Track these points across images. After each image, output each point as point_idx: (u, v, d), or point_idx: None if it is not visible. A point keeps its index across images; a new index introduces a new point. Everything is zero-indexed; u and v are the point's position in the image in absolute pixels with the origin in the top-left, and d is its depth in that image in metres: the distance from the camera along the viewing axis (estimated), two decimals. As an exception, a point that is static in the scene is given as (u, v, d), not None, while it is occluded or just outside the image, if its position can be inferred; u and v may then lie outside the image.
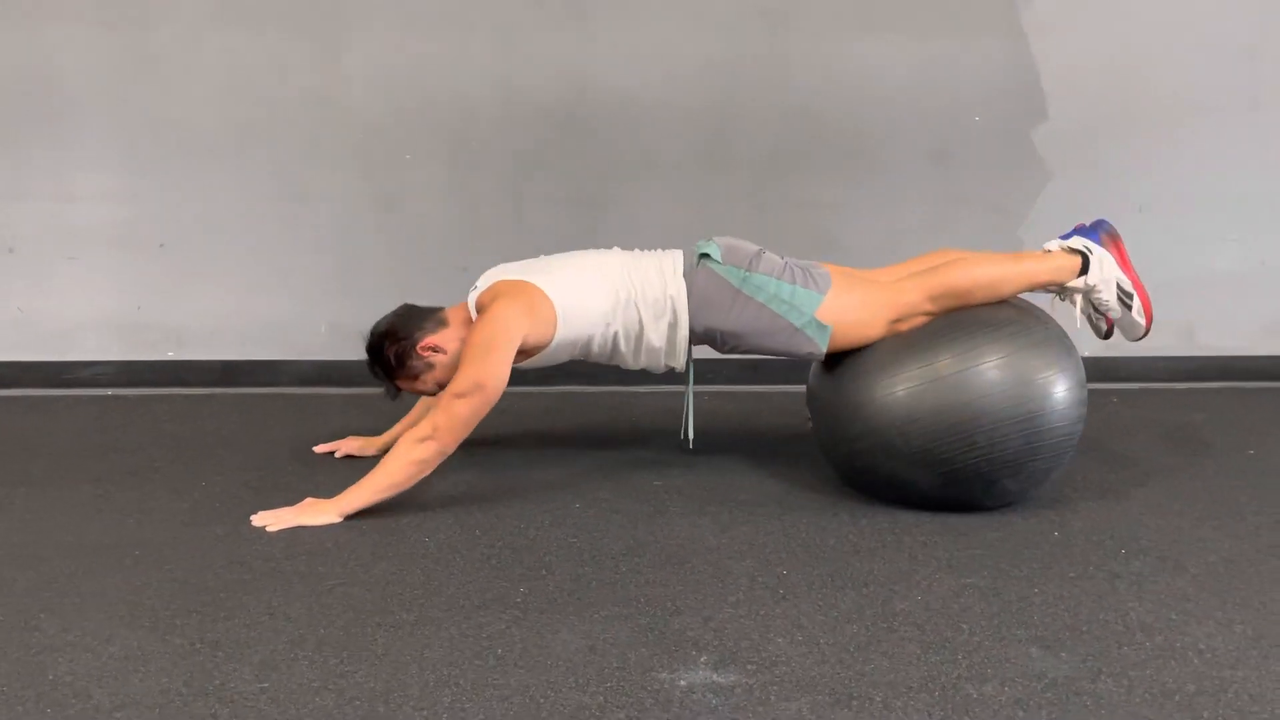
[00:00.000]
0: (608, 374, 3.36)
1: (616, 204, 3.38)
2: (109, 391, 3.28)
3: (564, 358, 2.34)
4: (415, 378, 2.31)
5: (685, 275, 2.28)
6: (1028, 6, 3.32)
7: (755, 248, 2.33)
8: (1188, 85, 3.39)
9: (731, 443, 2.72)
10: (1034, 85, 3.36)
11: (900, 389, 2.14)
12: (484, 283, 2.33)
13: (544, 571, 1.94)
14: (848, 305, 2.25)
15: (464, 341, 2.25)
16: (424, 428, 2.15)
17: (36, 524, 2.17)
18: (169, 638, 1.68)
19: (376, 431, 2.67)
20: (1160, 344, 3.51)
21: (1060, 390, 2.11)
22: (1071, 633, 1.69)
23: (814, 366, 2.43)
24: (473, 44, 3.29)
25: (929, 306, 2.23)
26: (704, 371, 3.35)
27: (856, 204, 3.42)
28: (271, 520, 2.14)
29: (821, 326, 2.24)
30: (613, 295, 2.27)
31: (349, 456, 2.60)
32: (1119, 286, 2.26)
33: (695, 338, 2.32)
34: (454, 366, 2.25)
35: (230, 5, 3.25)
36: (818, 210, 3.42)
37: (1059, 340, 2.19)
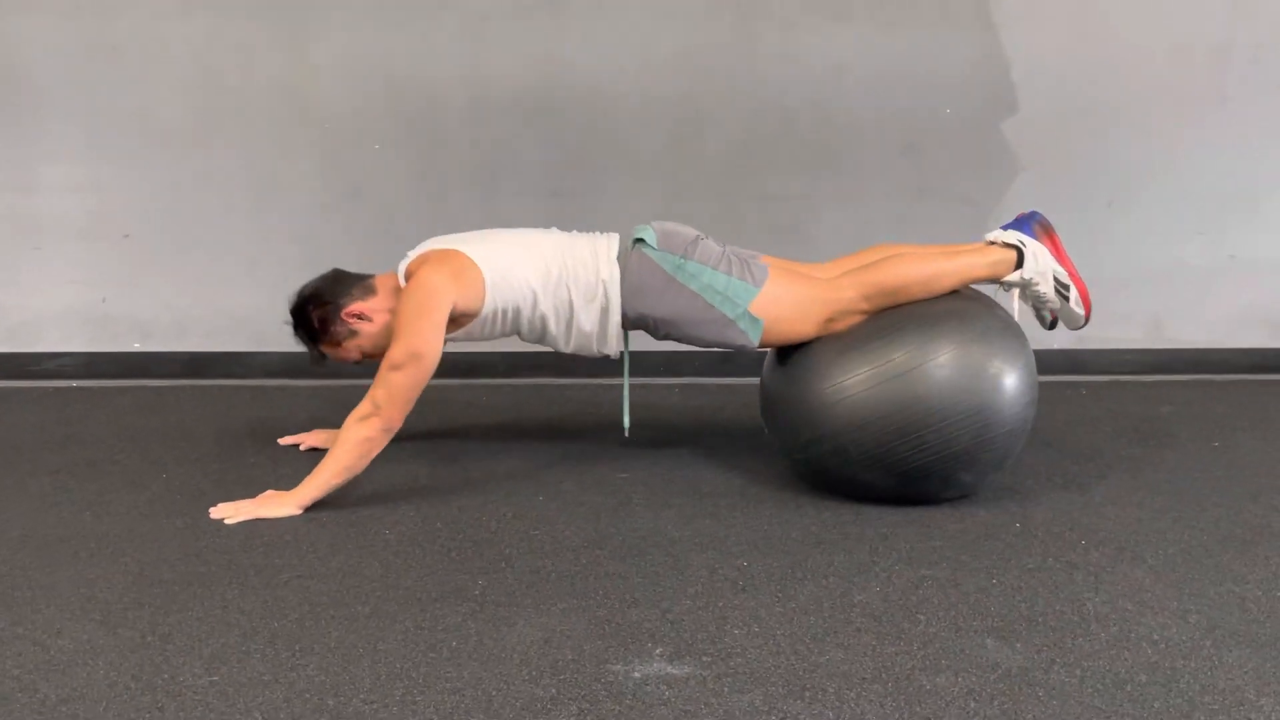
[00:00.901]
0: (576, 366, 3.36)
1: (586, 194, 3.37)
2: (73, 384, 3.24)
3: (496, 332, 2.31)
4: (339, 344, 2.29)
5: (619, 259, 2.26)
6: (997, -1, 3.32)
7: (694, 234, 2.31)
8: (1158, 79, 3.41)
9: (698, 435, 2.72)
10: (1004, 78, 3.37)
11: (849, 393, 2.11)
12: (415, 253, 2.30)
13: (503, 564, 1.93)
14: (782, 301, 2.24)
15: (392, 312, 2.24)
16: (365, 406, 2.13)
17: (-9, 517, 2.14)
18: (119, 631, 1.66)
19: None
20: (1128, 336, 3.54)
21: (1010, 381, 2.11)
22: (1028, 624, 1.70)
23: (765, 366, 2.41)
24: (442, 33, 3.27)
25: (864, 305, 2.22)
26: (673, 363, 3.36)
27: (825, 196, 3.43)
28: (230, 512, 2.13)
29: (754, 320, 2.23)
30: (543, 271, 2.24)
31: (314, 449, 2.57)
32: (1055, 279, 2.26)
33: (628, 323, 2.30)
34: (380, 335, 2.25)
35: (195, -6, 3.22)
36: (787, 202, 3.42)
37: (1008, 330, 2.19)
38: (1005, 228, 2.33)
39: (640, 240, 2.28)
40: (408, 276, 2.24)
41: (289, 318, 2.33)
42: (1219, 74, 3.43)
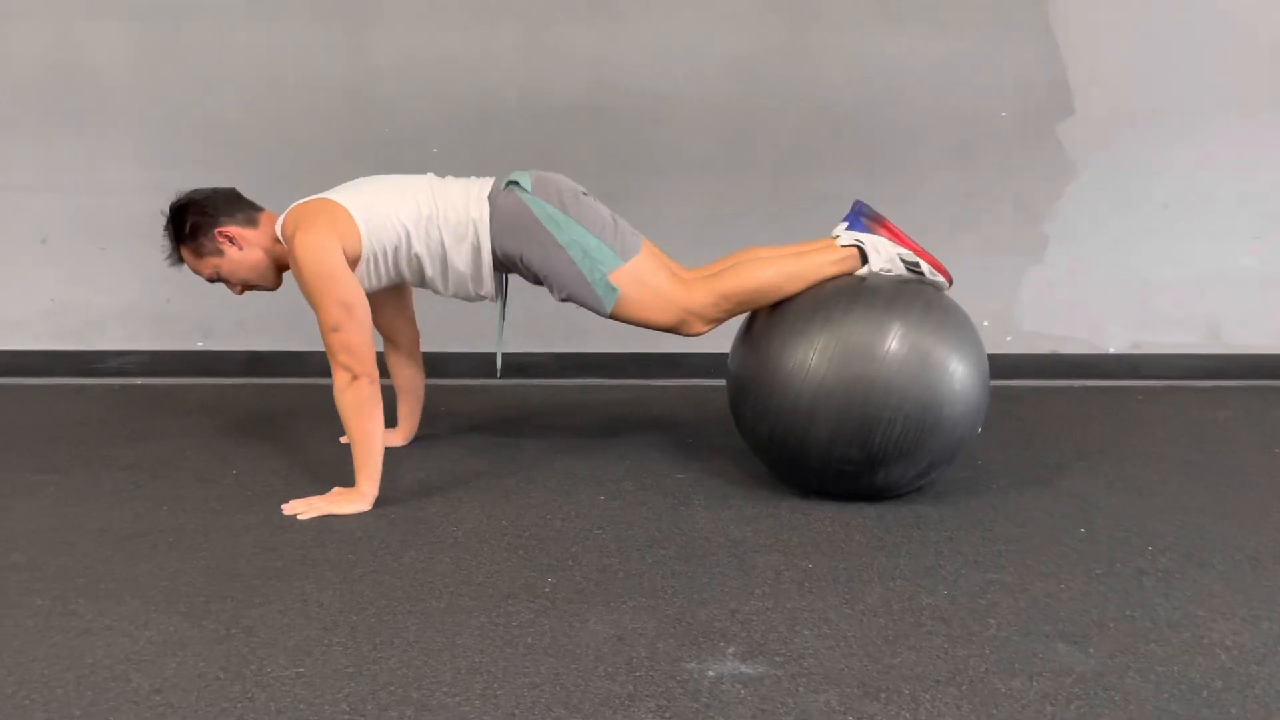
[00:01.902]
0: (628, 367, 3.39)
1: (639, 196, 3.39)
2: (138, 381, 3.32)
3: (383, 276, 2.31)
4: (200, 256, 2.30)
5: (490, 198, 2.27)
6: (1055, 2, 3.31)
7: (576, 189, 2.31)
8: (1215, 81, 3.38)
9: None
10: (1060, 80, 3.35)
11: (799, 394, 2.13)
12: (288, 210, 2.30)
13: (570, 562, 1.95)
14: (641, 283, 2.25)
15: (262, 249, 2.29)
16: (340, 377, 2.16)
17: (68, 511, 2.20)
18: (204, 623, 1.70)
19: (396, 423, 2.69)
20: (1185, 341, 3.52)
21: (959, 370, 2.11)
22: (1099, 629, 1.70)
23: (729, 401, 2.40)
24: (498, 38, 3.31)
25: (714, 312, 2.26)
26: (723, 365, 3.37)
27: (878, 199, 3.40)
28: (303, 509, 2.17)
29: (610, 288, 2.24)
30: (414, 211, 2.25)
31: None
32: (904, 261, 2.25)
33: (500, 264, 2.30)
34: (241, 265, 2.29)
35: (258, 0, 3.27)
36: (839, 205, 3.39)
37: (957, 317, 2.19)
38: (845, 219, 2.33)
39: (514, 183, 2.28)
40: (285, 238, 2.23)
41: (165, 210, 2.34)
42: (1276, 76, 3.39)
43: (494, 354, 2.45)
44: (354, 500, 2.18)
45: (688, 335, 2.32)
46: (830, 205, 3.42)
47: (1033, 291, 3.48)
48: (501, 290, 2.40)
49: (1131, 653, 1.62)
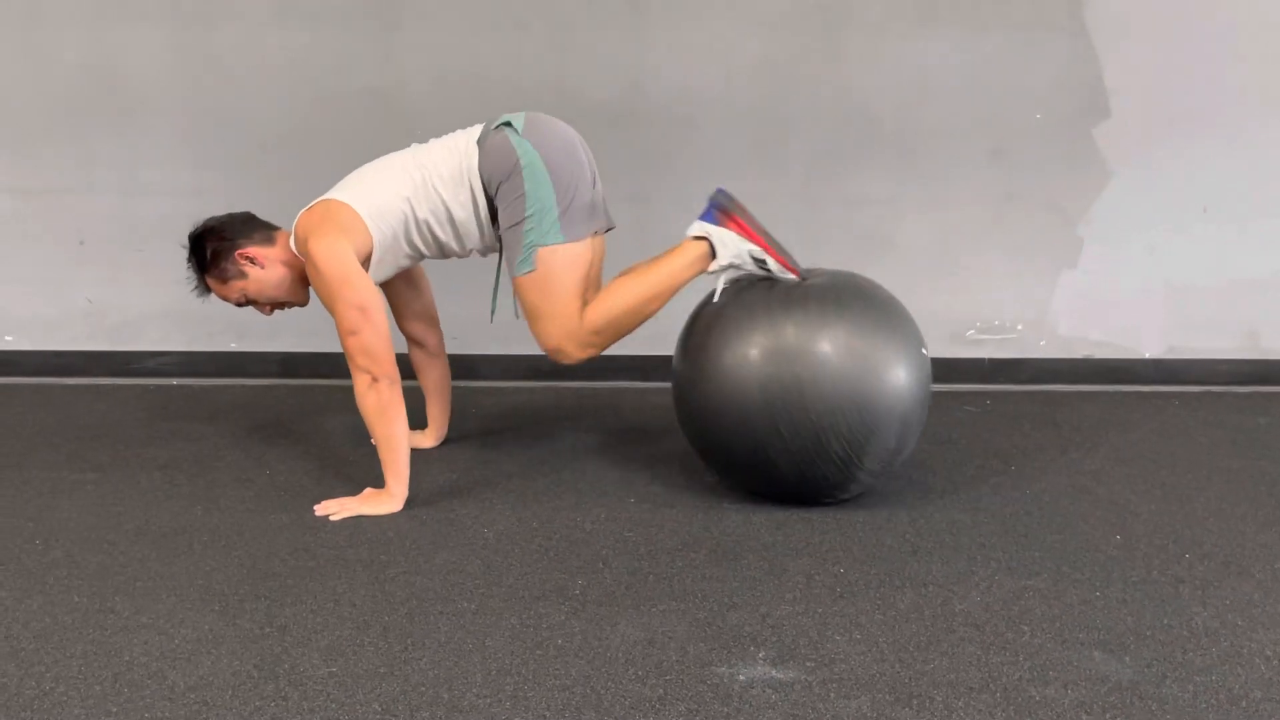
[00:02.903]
0: (659, 370, 3.38)
1: (669, 199, 3.39)
2: (174, 381, 3.36)
3: (401, 259, 2.31)
4: (225, 282, 2.32)
5: (479, 141, 2.24)
6: (1089, 2, 3.27)
7: (575, 140, 2.28)
8: (1253, 82, 3.33)
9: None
10: (1097, 82, 3.32)
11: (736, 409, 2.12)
12: (295, 221, 2.30)
13: (600, 565, 1.95)
14: (553, 281, 2.20)
15: (284, 264, 2.30)
16: (360, 380, 2.17)
17: (106, 509, 2.23)
18: (238, 621, 1.72)
19: (426, 425, 2.70)
20: (1223, 346, 3.47)
21: (898, 369, 2.09)
22: (1135, 637, 1.67)
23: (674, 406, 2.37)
24: (529, 40, 3.32)
25: (596, 339, 2.23)
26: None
27: (911, 202, 3.40)
28: (335, 509, 2.19)
29: (529, 260, 2.19)
30: (407, 179, 2.24)
31: (407, 447, 2.63)
32: (751, 257, 2.19)
33: (491, 205, 2.26)
34: (267, 284, 2.30)
35: (292, 5, 3.31)
36: (872, 207, 3.41)
37: (898, 316, 2.18)
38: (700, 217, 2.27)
39: (507, 124, 2.24)
40: (300, 251, 2.24)
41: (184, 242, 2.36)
42: (1319, 77, 3.34)
43: (491, 300, 2.42)
44: (385, 501, 2.19)
45: (559, 363, 2.27)
46: (863, 208, 3.41)
47: (1068, 295, 3.44)
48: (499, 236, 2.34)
49: (1168, 661, 1.60)
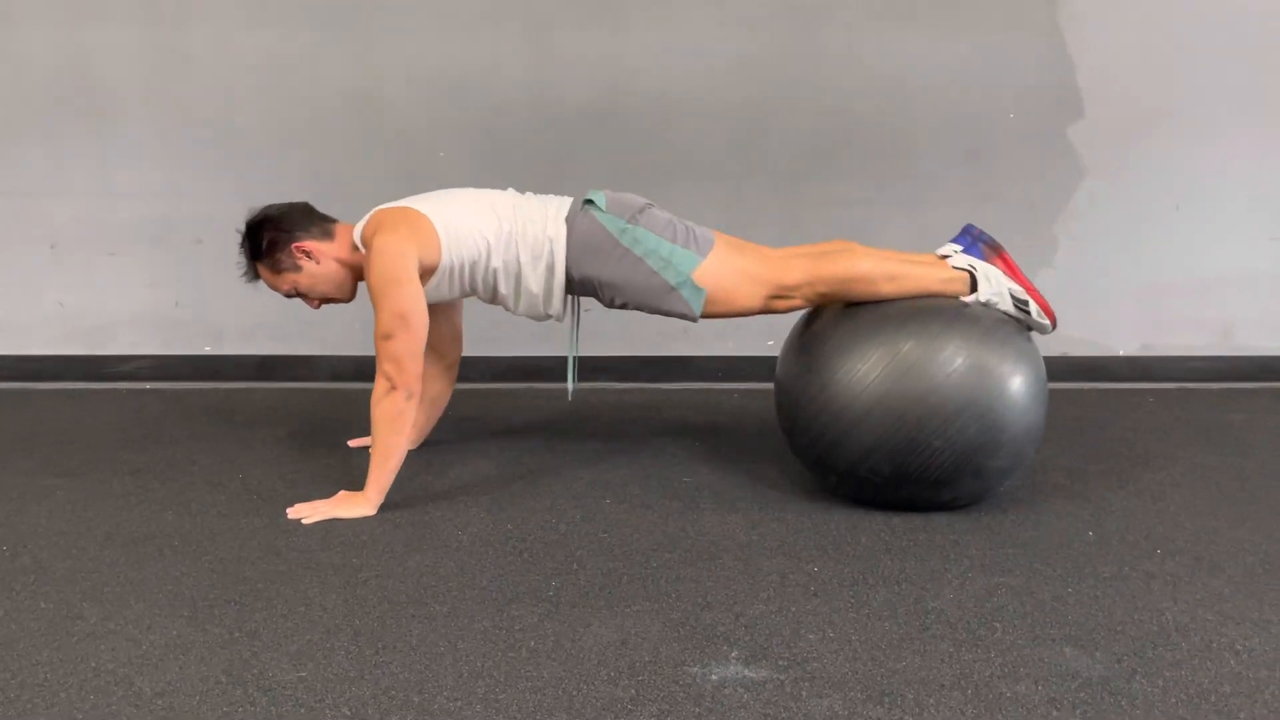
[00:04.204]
0: (638, 370, 3.38)
1: (650, 199, 3.39)
2: (147, 385, 3.33)
3: (456, 290, 2.31)
4: (277, 272, 2.30)
5: (567, 220, 2.26)
6: (1063, 2, 3.29)
7: (643, 201, 2.31)
8: (1225, 81, 3.35)
9: (762, 440, 2.72)
10: (1070, 82, 3.34)
11: (857, 426, 2.09)
12: (368, 216, 2.30)
13: (575, 566, 1.95)
14: (727, 272, 2.23)
15: (339, 262, 2.29)
16: (380, 384, 2.15)
17: (76, 514, 2.21)
18: (208, 627, 1.70)
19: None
20: (1197, 343, 3.49)
21: (1015, 377, 2.08)
22: (1106, 633, 1.68)
23: (776, 406, 2.36)
24: (506, 41, 3.32)
25: (809, 290, 2.21)
26: (733, 368, 3.37)
27: (888, 202, 3.41)
28: (308, 512, 2.17)
29: (696, 289, 2.23)
30: (495, 226, 2.24)
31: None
32: (1013, 296, 2.20)
33: (574, 286, 2.30)
34: (320, 279, 2.29)
35: (265, 5, 3.29)
36: (849, 208, 3.42)
37: (1012, 326, 2.17)
38: (956, 239, 2.27)
39: (590, 202, 2.28)
40: (364, 241, 2.24)
41: (241, 227, 2.35)
42: (1290, 76, 3.37)
43: (568, 377, 2.46)
44: (359, 504, 2.18)
45: (776, 312, 2.27)
46: (841, 208, 3.42)
47: (1043, 293, 3.45)
48: (572, 312, 2.39)
49: (1139, 657, 1.60)
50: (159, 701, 1.48)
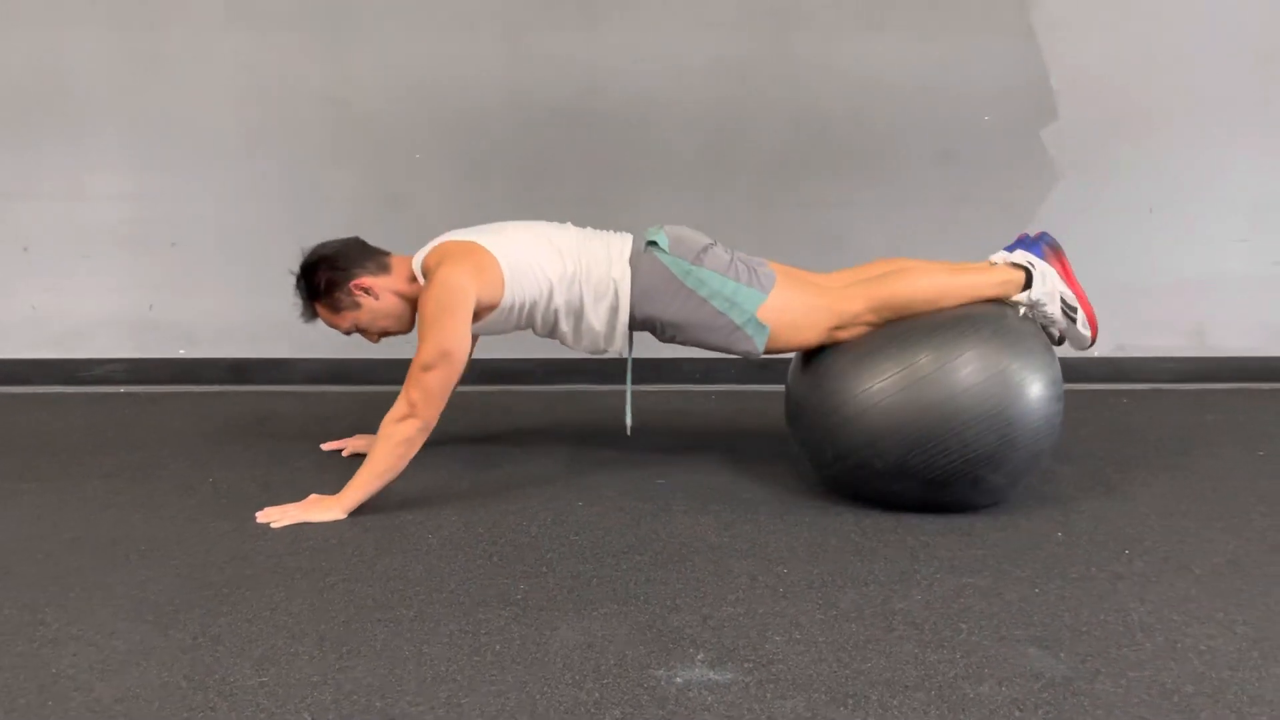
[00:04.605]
0: (614, 373, 3.38)
1: (625, 202, 3.39)
2: (120, 389, 3.31)
3: (511, 325, 2.33)
4: (337, 311, 2.31)
5: (631, 261, 2.27)
6: (1037, 5, 3.30)
7: (705, 240, 2.32)
8: (1199, 84, 3.37)
9: (736, 442, 2.72)
10: (1043, 84, 3.35)
11: (869, 409, 2.11)
12: (431, 246, 2.31)
13: (545, 569, 1.94)
14: (789, 308, 2.24)
15: (398, 295, 2.29)
16: (400, 407, 2.15)
17: (43, 519, 2.19)
18: (171, 632, 1.69)
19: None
20: (1171, 345, 3.51)
21: (1030, 379, 2.09)
22: (1071, 633, 1.69)
23: (788, 388, 2.40)
24: (481, 44, 3.31)
25: (870, 316, 2.22)
26: (710, 370, 3.37)
27: (863, 204, 3.42)
28: (277, 516, 2.16)
29: (760, 326, 2.24)
30: (560, 267, 2.25)
31: (356, 454, 2.61)
32: (1063, 300, 2.24)
33: (635, 324, 2.31)
34: (380, 314, 2.30)
35: (239, 7, 3.27)
36: (825, 210, 3.42)
37: (1026, 329, 2.18)
38: (1011, 248, 2.31)
39: (653, 244, 2.29)
40: (425, 271, 2.25)
41: (295, 269, 2.34)
42: (1262, 79, 3.38)
43: (626, 413, 2.46)
44: (329, 508, 2.17)
45: (838, 341, 2.27)
46: (815, 211, 3.42)
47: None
48: (630, 349, 2.39)
49: (1103, 657, 1.61)
50: (118, 707, 1.47)
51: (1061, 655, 1.61)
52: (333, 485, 2.26)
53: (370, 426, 2.72)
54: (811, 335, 2.25)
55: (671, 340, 2.34)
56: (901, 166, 3.39)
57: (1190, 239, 3.44)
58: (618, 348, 2.35)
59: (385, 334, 2.37)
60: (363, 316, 2.31)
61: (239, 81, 3.31)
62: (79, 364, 3.41)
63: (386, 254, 2.36)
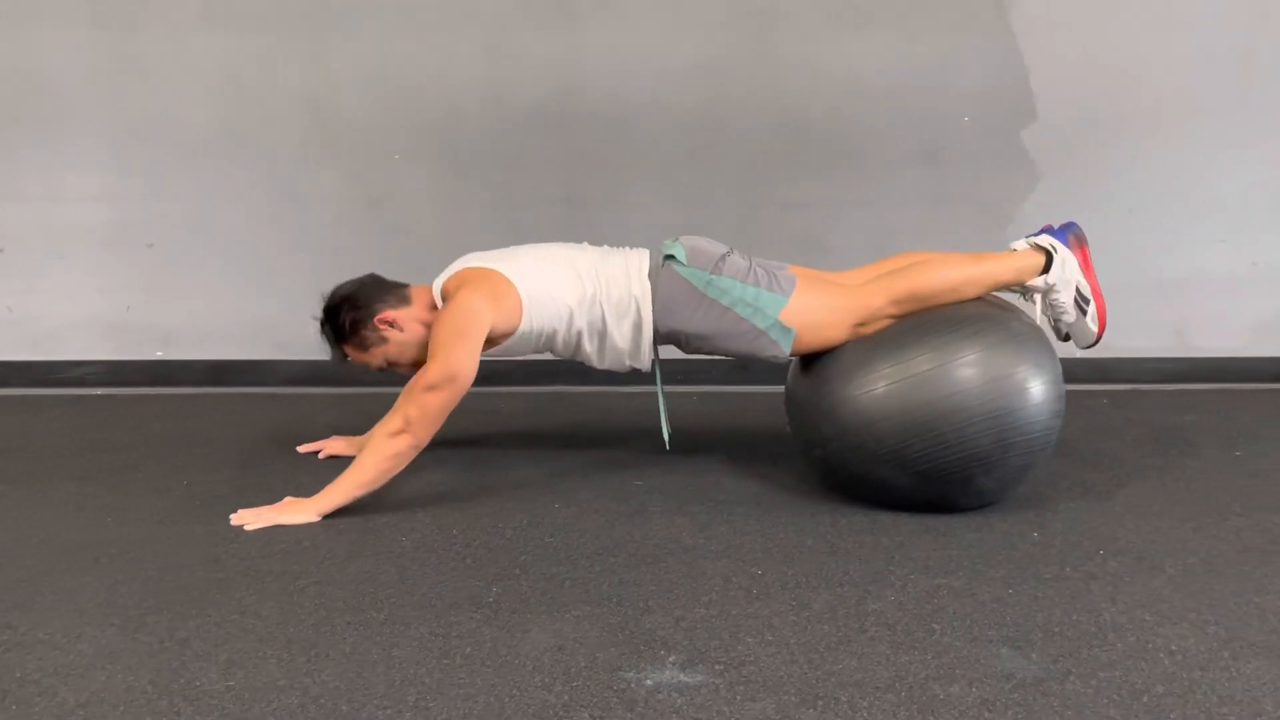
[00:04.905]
0: (594, 374, 3.37)
1: (605, 202, 3.38)
2: (97, 391, 3.29)
3: (528, 350, 2.33)
4: (366, 349, 2.31)
5: (650, 276, 2.28)
6: (1016, 6, 3.31)
7: (722, 249, 2.32)
8: (1178, 85, 3.38)
9: (716, 443, 2.72)
10: (1023, 85, 3.36)
11: (874, 389, 2.13)
12: (451, 270, 2.32)
13: (518, 571, 1.93)
14: (812, 308, 2.24)
15: (422, 323, 2.28)
16: (395, 421, 2.14)
17: (15, 522, 2.17)
18: (138, 636, 1.68)
19: (362, 431, 2.66)
20: (1151, 345, 3.51)
21: (1034, 386, 2.09)
22: (1043, 633, 1.68)
23: (792, 367, 2.42)
24: (460, 44, 3.30)
25: (892, 310, 2.23)
26: (691, 371, 3.36)
27: (845, 204, 3.42)
28: (250, 519, 2.14)
29: (785, 329, 2.24)
30: (579, 290, 2.26)
31: (333, 456, 2.59)
32: (1078, 290, 2.26)
33: (659, 338, 2.32)
34: (408, 345, 2.29)
35: (217, 6, 3.25)
36: (806, 210, 3.42)
37: (1034, 337, 2.18)
38: (1036, 235, 2.33)
39: (670, 257, 2.29)
40: (444, 295, 2.27)
41: (319, 314, 2.35)
42: (1241, 80, 3.40)
43: (661, 428, 2.47)
44: (303, 511, 2.15)
45: (863, 336, 2.26)
46: (797, 211, 3.42)
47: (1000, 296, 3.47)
48: (656, 363, 2.39)
49: (1074, 658, 1.61)
50: (81, 711, 1.46)
51: (1033, 656, 1.61)
52: (309, 488, 2.24)
53: (348, 428, 2.72)
54: (836, 334, 2.25)
55: (697, 351, 2.34)
56: (882, 167, 3.40)
57: (1170, 240, 3.45)
58: (644, 363, 2.35)
59: (417, 364, 2.35)
60: (391, 350, 2.31)
61: (217, 82, 3.30)
62: (56, 366, 3.39)
63: (405, 286, 2.37)
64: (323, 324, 2.34)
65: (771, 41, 3.34)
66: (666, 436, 2.47)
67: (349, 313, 2.30)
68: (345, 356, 2.36)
